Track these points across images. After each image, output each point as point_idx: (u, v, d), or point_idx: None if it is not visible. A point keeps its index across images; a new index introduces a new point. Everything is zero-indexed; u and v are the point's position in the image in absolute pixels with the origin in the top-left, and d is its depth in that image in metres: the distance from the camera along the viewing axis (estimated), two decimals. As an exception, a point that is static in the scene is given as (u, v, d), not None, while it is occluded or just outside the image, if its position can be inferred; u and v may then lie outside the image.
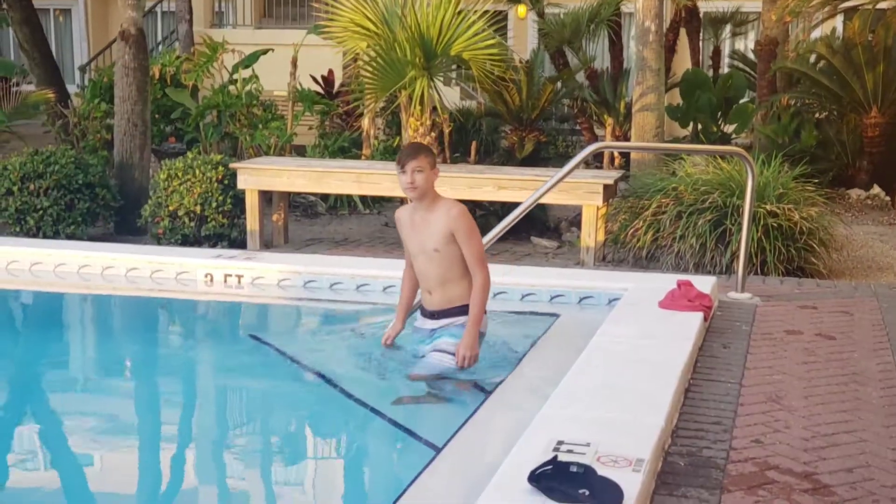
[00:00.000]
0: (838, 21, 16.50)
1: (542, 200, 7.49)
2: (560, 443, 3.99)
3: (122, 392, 5.67)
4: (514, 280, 7.26)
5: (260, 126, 12.65)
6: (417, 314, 5.80)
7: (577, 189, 8.91)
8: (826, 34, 14.97)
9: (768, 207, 8.44)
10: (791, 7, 13.18)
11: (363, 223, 11.43)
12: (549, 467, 3.66)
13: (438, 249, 5.49)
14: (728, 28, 18.40)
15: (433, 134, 10.29)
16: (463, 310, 5.55)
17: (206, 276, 7.58)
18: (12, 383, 5.85)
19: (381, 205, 12.12)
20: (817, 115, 13.98)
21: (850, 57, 12.65)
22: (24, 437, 5.07)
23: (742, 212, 7.45)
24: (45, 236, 9.74)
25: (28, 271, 7.84)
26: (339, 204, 12.02)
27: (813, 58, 13.64)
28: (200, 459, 4.73)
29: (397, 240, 10.12)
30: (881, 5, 12.87)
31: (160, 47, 20.62)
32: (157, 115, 13.74)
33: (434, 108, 10.36)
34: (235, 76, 13.26)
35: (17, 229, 9.92)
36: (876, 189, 12.71)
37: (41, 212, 9.83)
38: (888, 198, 12.52)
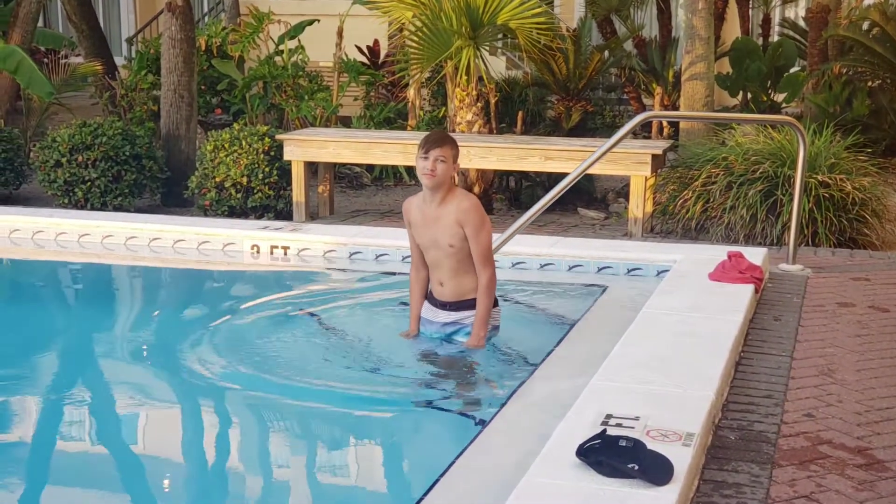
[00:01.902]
0: (892, -13, 16.16)
1: (590, 171, 7.42)
2: (609, 416, 3.95)
3: (169, 361, 5.68)
4: (561, 251, 7.22)
5: (306, 97, 12.64)
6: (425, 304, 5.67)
7: (625, 159, 8.80)
8: (880, 0, 14.68)
9: (820, 178, 8.30)
10: (844, -27, 12.95)
11: (409, 194, 11.33)
12: (598, 441, 3.62)
13: (454, 245, 5.34)
14: (779, -5, 18.10)
15: (479, 104, 10.21)
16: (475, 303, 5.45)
17: (252, 247, 7.61)
18: (61, 353, 5.89)
19: (426, 176, 12.04)
20: (870, 83, 13.72)
21: (904, 24, 12.40)
22: (70, 404, 5.10)
23: (793, 182, 7.33)
24: (92, 208, 9.80)
25: (77, 243, 7.90)
26: (384, 175, 11.99)
27: (866, 25, 13.40)
28: (247, 430, 4.74)
29: (443, 211, 10.10)
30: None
31: (206, 18, 20.65)
32: (203, 87, 13.75)
33: (480, 78, 10.28)
34: (281, 47, 13.25)
35: (66, 201, 9.99)
36: (930, 159, 12.47)
37: (89, 183, 9.88)
38: (943, 168, 12.29)
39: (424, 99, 13.76)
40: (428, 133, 5.45)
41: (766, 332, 5.67)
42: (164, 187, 10.54)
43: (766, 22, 17.66)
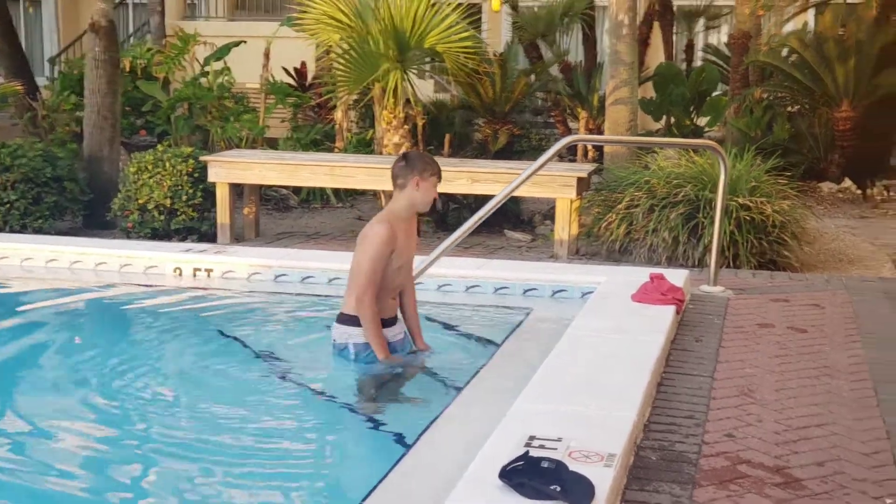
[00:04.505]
0: (810, 15, 16.56)
1: (516, 193, 7.46)
2: (532, 438, 3.97)
3: (91, 386, 5.59)
4: (487, 274, 7.24)
5: (231, 119, 12.57)
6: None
7: (551, 182, 8.88)
8: (798, 28, 15.03)
9: (740, 200, 8.44)
10: (764, 1, 13.24)
11: (336, 217, 11.37)
12: (521, 463, 3.62)
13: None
14: (701, 22, 18.45)
15: (406, 127, 10.24)
16: None
17: (175, 270, 7.52)
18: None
19: (353, 198, 12.07)
20: (789, 108, 14.03)
21: (821, 51, 12.69)
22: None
23: (714, 205, 7.44)
24: (11, 230, 9.62)
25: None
26: (311, 197, 11.95)
27: (785, 51, 13.70)
28: (165, 456, 4.67)
29: (370, 233, 10.08)
30: (852, 0, 12.93)
31: (132, 39, 20.47)
32: (128, 108, 13.62)
33: (407, 101, 10.31)
34: (207, 68, 13.17)
35: (-15, 223, 9.80)
36: (847, 182, 12.75)
37: (8, 205, 9.71)
38: (859, 191, 12.57)
39: (352, 121, 13.77)
40: (424, 157, 5.71)
41: (687, 352, 5.74)
42: (87, 209, 10.38)
43: (690, 47, 18.00)
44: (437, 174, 5.54)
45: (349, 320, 5.53)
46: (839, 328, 6.38)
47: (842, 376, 5.43)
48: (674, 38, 17.60)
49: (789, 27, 15.46)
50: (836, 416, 4.82)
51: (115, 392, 5.48)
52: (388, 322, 5.58)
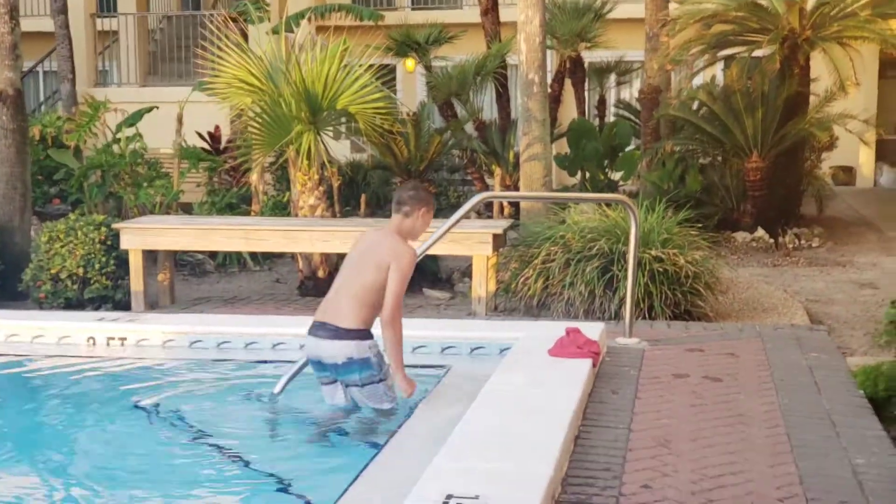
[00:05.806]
0: (718, 69, 16.94)
1: (433, 251, 7.48)
2: (449, 497, 3.95)
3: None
4: (405, 333, 7.18)
5: (144, 184, 12.45)
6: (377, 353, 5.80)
7: (467, 239, 8.91)
8: (707, 81, 15.36)
9: (653, 252, 8.53)
10: (672, 55, 13.53)
11: (253, 280, 11.29)
12: (437, 523, 3.60)
13: None
14: (612, 77, 18.75)
15: (321, 188, 10.22)
16: None
17: (88, 339, 7.39)
18: None
19: (271, 261, 12.00)
20: (701, 160, 14.29)
21: (729, 103, 12.99)
22: None
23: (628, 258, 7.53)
24: (-81, 304, 9.40)
25: None
26: (227, 261, 11.85)
27: (695, 105, 13.99)
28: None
29: (287, 296, 10.04)
30: (756, 53, 13.26)
31: (43, 107, 20.23)
32: (40, 177, 13.43)
33: (324, 162, 10.30)
34: (119, 135, 13.06)
35: None
36: (760, 231, 12.99)
37: (-84, 279, 9.50)
38: (771, 240, 12.81)
39: (269, 184, 13.73)
40: (427, 191, 6.07)
41: (604, 405, 5.77)
42: (-2, 281, 10.18)
43: (602, 103, 18.26)
44: (433, 211, 5.86)
45: (359, 334, 5.71)
46: (753, 376, 6.46)
47: (756, 424, 5.49)
48: (586, 94, 17.86)
49: (698, 80, 15.80)
50: (750, 464, 4.87)
51: (26, 468, 5.36)
52: None
